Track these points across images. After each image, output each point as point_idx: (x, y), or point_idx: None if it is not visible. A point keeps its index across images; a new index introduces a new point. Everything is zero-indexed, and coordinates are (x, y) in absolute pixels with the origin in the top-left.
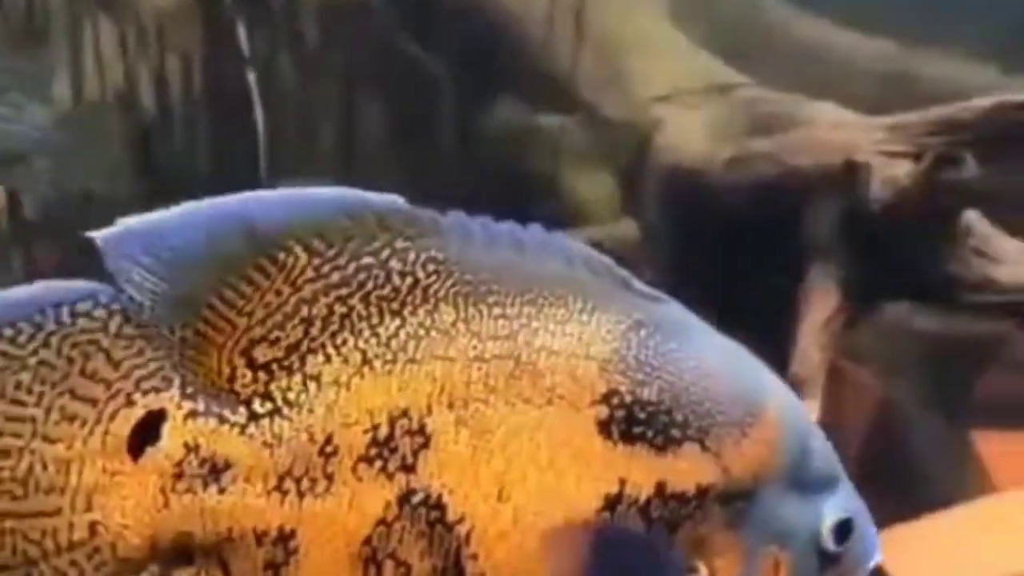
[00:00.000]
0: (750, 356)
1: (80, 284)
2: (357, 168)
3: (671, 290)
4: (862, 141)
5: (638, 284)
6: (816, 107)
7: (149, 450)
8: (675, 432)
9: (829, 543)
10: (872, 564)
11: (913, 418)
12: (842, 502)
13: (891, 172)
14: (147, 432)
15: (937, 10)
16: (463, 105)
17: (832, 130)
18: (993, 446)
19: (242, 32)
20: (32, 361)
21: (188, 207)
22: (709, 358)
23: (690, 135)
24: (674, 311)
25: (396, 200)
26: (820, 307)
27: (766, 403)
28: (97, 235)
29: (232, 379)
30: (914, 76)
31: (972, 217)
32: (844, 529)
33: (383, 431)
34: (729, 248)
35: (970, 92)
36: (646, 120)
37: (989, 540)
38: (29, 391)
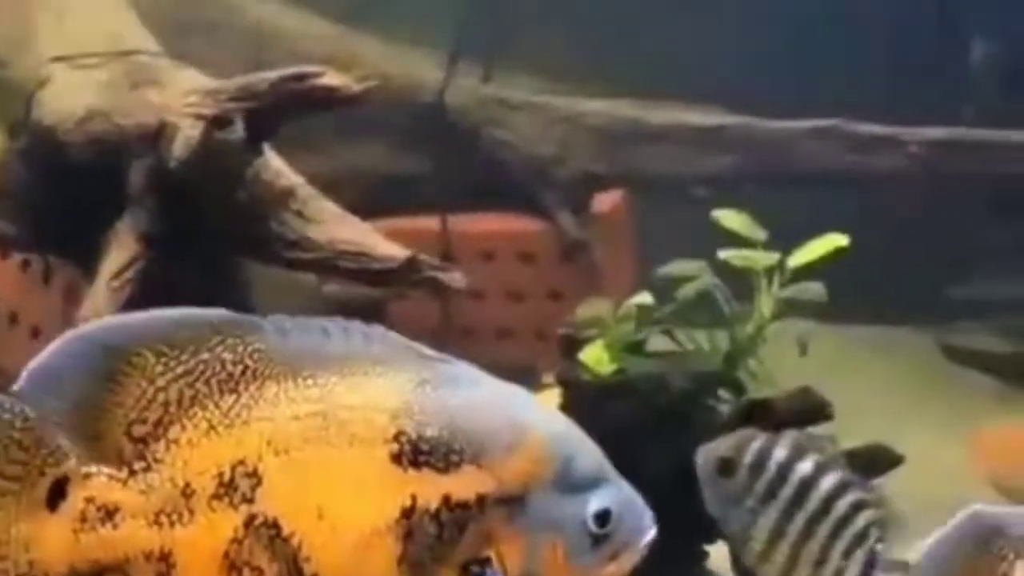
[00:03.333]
0: (519, 393)
1: None
2: None
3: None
4: (178, 104)
5: (428, 351)
6: (179, 73)
7: (62, 504)
8: (454, 457)
9: (593, 527)
10: (646, 540)
11: None
12: (603, 495)
13: (191, 132)
14: (58, 491)
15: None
16: None
17: (160, 93)
18: None
19: None
20: None
21: (55, 343)
22: (482, 400)
23: (65, 94)
24: (457, 369)
25: (224, 311)
26: (117, 255)
27: (530, 428)
28: (15, 388)
29: (120, 454)
30: (352, 58)
31: (296, 182)
32: (604, 516)
33: (227, 475)
34: (76, 200)
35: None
36: (38, 77)
37: None
38: None
